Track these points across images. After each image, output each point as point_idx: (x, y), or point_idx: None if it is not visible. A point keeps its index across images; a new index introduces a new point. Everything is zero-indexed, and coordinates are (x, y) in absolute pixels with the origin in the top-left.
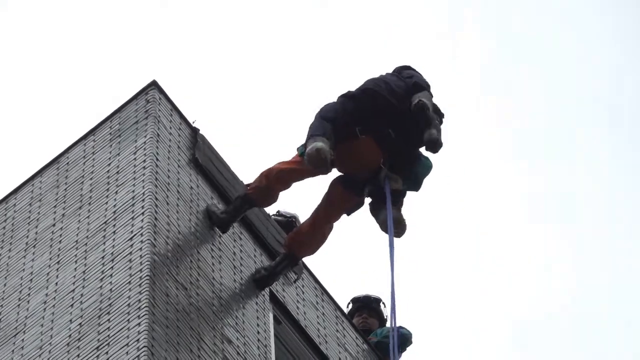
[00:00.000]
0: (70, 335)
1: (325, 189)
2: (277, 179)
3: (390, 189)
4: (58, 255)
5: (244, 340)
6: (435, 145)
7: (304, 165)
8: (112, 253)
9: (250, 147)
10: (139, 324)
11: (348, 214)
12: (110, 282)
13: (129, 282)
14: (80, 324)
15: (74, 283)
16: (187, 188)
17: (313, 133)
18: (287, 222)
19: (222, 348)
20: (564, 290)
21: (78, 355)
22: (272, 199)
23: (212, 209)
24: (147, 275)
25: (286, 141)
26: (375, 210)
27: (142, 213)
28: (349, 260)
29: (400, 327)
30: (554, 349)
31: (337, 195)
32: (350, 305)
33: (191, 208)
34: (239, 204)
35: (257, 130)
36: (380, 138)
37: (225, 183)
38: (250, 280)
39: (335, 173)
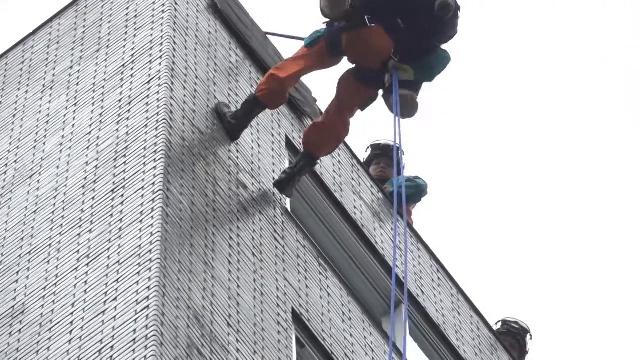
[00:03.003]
0: (85, 178)
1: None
2: (286, 78)
3: (400, 79)
4: (75, 97)
5: (259, 186)
6: (445, 7)
7: (312, 58)
8: (129, 96)
9: None
10: (154, 167)
11: (362, 109)
12: (127, 125)
13: (146, 125)
14: (96, 166)
15: (90, 125)
16: (205, 33)
17: None
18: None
19: (237, 193)
20: None
21: (93, 198)
22: (283, 99)
23: (223, 110)
24: (163, 119)
25: None
26: (387, 95)
27: (160, 57)
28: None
29: (417, 177)
30: None
31: (348, 89)
32: (369, 151)
33: (209, 53)
34: (249, 108)
35: None
36: (391, 27)
37: (244, 29)
38: (268, 129)
39: (344, 66)
